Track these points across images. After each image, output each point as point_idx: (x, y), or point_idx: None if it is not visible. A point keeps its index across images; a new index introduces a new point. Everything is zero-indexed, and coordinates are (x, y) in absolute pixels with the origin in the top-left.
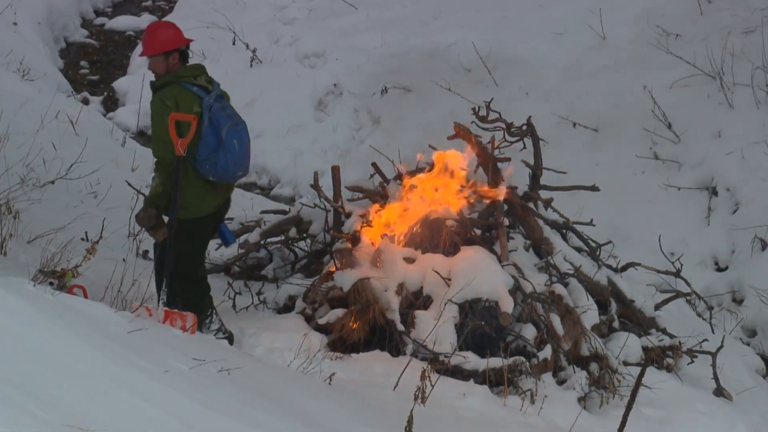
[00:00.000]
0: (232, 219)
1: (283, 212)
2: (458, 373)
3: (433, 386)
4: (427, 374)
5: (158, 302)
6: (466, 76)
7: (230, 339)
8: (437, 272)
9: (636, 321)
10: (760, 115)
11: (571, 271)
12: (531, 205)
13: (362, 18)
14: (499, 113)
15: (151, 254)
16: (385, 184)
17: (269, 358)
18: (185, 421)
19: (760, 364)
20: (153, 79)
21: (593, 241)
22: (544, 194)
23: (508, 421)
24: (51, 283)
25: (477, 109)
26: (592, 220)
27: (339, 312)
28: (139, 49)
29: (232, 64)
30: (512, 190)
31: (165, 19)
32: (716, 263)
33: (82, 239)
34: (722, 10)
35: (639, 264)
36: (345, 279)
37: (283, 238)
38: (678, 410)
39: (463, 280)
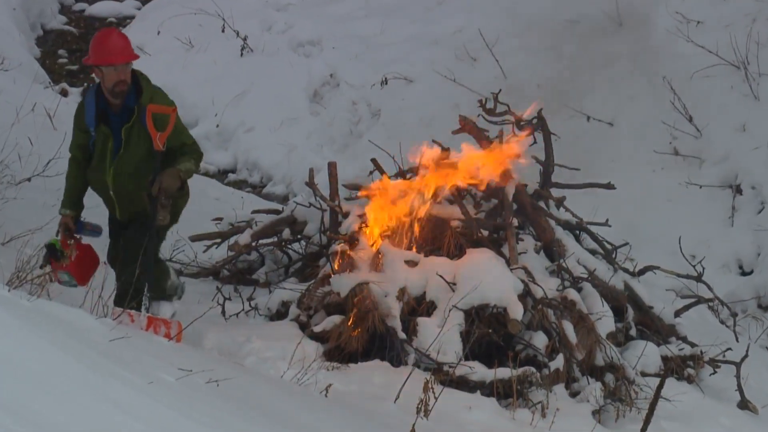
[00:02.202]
0: (221, 219)
1: (276, 212)
2: (464, 384)
3: (436, 399)
4: (430, 386)
5: (140, 308)
6: (472, 66)
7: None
8: (441, 276)
9: (654, 328)
10: None
11: (585, 275)
12: (542, 204)
13: (361, 3)
14: (508, 105)
15: None
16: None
17: (261, 368)
18: None
19: None
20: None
21: (609, 243)
22: (556, 192)
23: None
24: (52, 252)
25: (484, 102)
26: (607, 221)
27: (336, 319)
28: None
29: (221, 53)
30: (522, 187)
31: (149, 5)
32: (740, 267)
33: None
34: None
35: (658, 267)
36: (342, 283)
37: (276, 239)
38: (700, 424)
39: (469, 285)
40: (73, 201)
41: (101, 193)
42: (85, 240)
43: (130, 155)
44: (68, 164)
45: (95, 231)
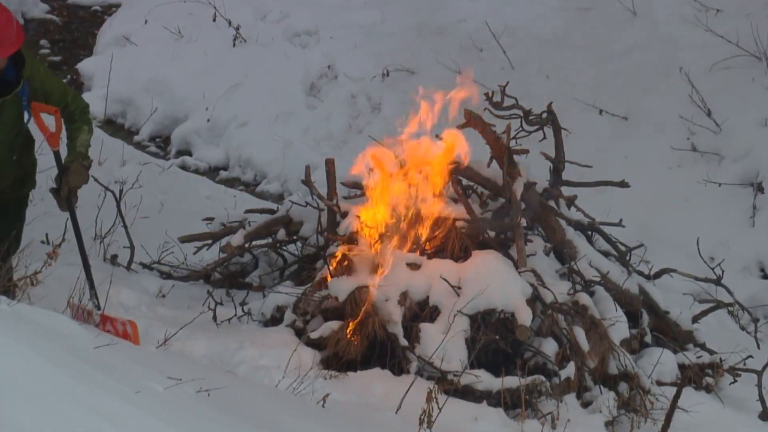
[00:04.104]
0: (212, 219)
1: (271, 211)
2: (469, 394)
3: (440, 409)
4: (433, 395)
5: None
6: (478, 57)
7: None
8: (445, 280)
9: (671, 335)
10: None
11: (598, 279)
12: (552, 203)
13: None
14: (516, 99)
15: (120, 259)
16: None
17: (255, 377)
18: None
19: None
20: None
21: (622, 244)
22: (566, 191)
23: None
24: None
25: (490, 95)
26: (621, 221)
27: (334, 325)
28: (108, 26)
29: (212, 44)
30: (531, 185)
31: None
32: (762, 269)
33: (42, 242)
34: None
35: (674, 270)
36: (341, 287)
37: (270, 240)
38: None
39: (475, 289)
40: None
41: None
42: None
43: (1, 126)
44: None
45: None
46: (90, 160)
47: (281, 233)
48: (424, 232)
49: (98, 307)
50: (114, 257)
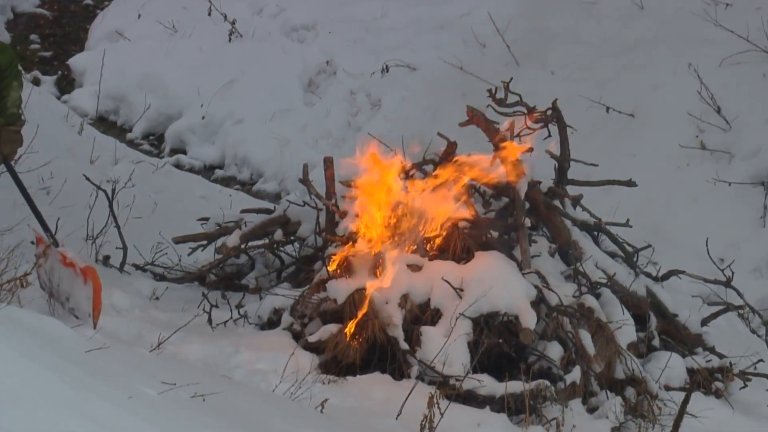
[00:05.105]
0: (207, 219)
1: (268, 211)
2: (472, 399)
3: (442, 414)
4: (435, 401)
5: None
6: (481, 53)
7: None
8: (447, 281)
9: (679, 338)
10: None
11: (604, 280)
12: (557, 202)
13: None
14: (520, 96)
15: (112, 260)
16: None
17: (251, 381)
18: None
19: None
20: None
21: (629, 245)
22: (572, 190)
23: None
24: None
25: (494, 91)
26: (628, 221)
27: (332, 328)
28: (101, 20)
29: (207, 39)
30: (535, 185)
31: None
32: None
33: (32, 242)
34: None
35: (683, 272)
36: (339, 289)
37: (267, 241)
38: None
39: (478, 291)
40: None
41: None
42: None
43: None
44: None
45: None
46: (23, 121)
47: (278, 234)
48: (426, 232)
49: (56, 244)
50: (106, 258)
